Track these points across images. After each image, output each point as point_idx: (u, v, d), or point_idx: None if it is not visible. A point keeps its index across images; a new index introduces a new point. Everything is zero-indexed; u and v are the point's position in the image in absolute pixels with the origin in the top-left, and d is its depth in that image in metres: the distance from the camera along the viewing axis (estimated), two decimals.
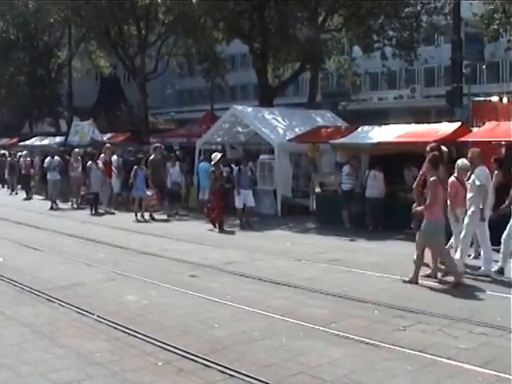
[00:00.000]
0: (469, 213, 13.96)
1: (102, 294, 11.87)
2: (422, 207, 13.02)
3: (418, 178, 14.33)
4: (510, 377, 7.62)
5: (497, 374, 7.75)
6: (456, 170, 14.64)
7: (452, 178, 14.52)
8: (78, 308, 10.61)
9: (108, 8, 37.16)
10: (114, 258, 15.48)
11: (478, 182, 13.90)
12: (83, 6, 37.90)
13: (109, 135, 39.16)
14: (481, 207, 13.85)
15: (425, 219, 12.93)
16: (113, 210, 26.33)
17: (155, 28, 42.25)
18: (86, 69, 54.27)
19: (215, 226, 20.92)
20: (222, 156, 22.27)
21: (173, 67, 50.90)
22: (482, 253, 14.26)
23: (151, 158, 25.12)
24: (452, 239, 14.61)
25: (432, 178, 12.81)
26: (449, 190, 14.38)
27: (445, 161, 13.95)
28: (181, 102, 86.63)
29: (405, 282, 12.92)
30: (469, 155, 14.43)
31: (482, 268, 13.86)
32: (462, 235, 14.00)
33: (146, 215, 23.87)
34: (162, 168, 25.44)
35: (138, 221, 23.26)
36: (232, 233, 20.50)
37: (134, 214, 23.76)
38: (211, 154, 24.74)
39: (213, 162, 21.61)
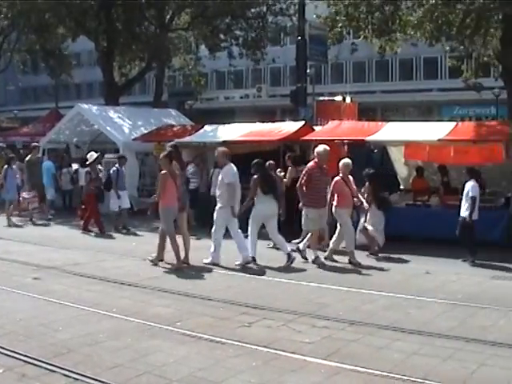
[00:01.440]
0: (217, 208, 14.92)
1: None
2: (155, 196, 14.69)
3: (300, 178, 15.02)
4: (351, 367, 7.88)
5: (339, 365, 7.98)
6: (341, 170, 15.18)
7: (337, 178, 15.07)
8: None
9: None
10: None
11: (226, 180, 14.68)
12: None
13: None
14: (231, 205, 14.70)
15: (160, 207, 14.28)
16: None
17: None
18: None
19: (88, 231, 20.22)
20: (98, 156, 21.44)
21: (16, 63, 49.39)
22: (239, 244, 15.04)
23: (28, 158, 23.70)
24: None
25: (163, 171, 14.32)
26: (331, 189, 14.93)
27: (180, 157, 15.57)
28: (24, 100, 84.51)
29: (150, 260, 14.68)
30: (216, 154, 15.42)
31: (241, 259, 14.77)
32: (213, 229, 15.03)
33: (14, 219, 22.47)
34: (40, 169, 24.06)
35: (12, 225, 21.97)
36: (101, 234, 19.93)
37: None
38: (55, 152, 24.24)
39: (88, 162, 20.93)
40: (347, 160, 15.66)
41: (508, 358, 8.32)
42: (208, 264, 14.68)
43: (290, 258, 14.69)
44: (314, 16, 30.03)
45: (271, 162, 17.30)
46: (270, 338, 9.03)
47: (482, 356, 8.35)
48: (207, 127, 23.36)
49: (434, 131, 18.40)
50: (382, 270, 14.47)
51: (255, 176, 15.04)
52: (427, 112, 57.90)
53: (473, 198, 15.22)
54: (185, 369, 7.84)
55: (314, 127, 22.05)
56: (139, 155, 25.39)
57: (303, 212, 15.56)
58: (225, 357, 8.28)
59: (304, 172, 15.34)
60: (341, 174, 15.39)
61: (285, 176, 18.49)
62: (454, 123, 20.02)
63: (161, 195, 14.41)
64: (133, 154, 24.73)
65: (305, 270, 14.27)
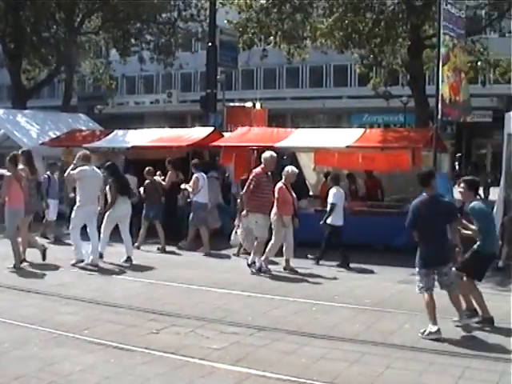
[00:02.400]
0: (75, 208, 15.45)
1: None
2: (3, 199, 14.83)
3: (247, 184, 15.07)
4: (260, 372, 7.93)
5: (248, 371, 8.03)
6: (286, 177, 15.08)
7: (279, 185, 14.97)
8: None
9: None
10: None
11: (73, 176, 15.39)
12: None
13: None
14: (89, 204, 15.24)
15: (5, 209, 14.82)
16: None
17: None
18: None
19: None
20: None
21: None
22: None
23: None
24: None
25: (8, 174, 14.74)
26: (276, 195, 14.82)
27: (32, 163, 16.31)
28: None
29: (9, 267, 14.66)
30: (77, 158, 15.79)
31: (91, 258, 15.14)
32: (69, 229, 15.63)
33: None
34: None
35: None
36: None
37: None
38: None
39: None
40: (295, 168, 15.56)
41: (413, 361, 8.49)
42: (75, 264, 15.05)
43: (129, 260, 15.59)
44: (225, 22, 30.11)
45: (150, 167, 18.07)
46: (178, 345, 9.00)
47: (388, 359, 8.50)
48: (117, 132, 23.14)
49: (342, 138, 18.64)
50: (290, 275, 14.54)
51: (110, 179, 15.89)
52: (337, 119, 58.54)
53: (332, 205, 15.92)
54: (92, 377, 7.73)
55: (224, 133, 22.12)
56: (49, 160, 24.93)
57: (251, 219, 15.19)
58: (133, 364, 8.21)
59: (251, 178, 15.06)
60: (283, 181, 15.19)
61: (164, 180, 18.62)
62: (362, 130, 20.33)
63: (5, 198, 14.76)
64: (40, 158, 24.27)
65: (215, 277, 14.21)
